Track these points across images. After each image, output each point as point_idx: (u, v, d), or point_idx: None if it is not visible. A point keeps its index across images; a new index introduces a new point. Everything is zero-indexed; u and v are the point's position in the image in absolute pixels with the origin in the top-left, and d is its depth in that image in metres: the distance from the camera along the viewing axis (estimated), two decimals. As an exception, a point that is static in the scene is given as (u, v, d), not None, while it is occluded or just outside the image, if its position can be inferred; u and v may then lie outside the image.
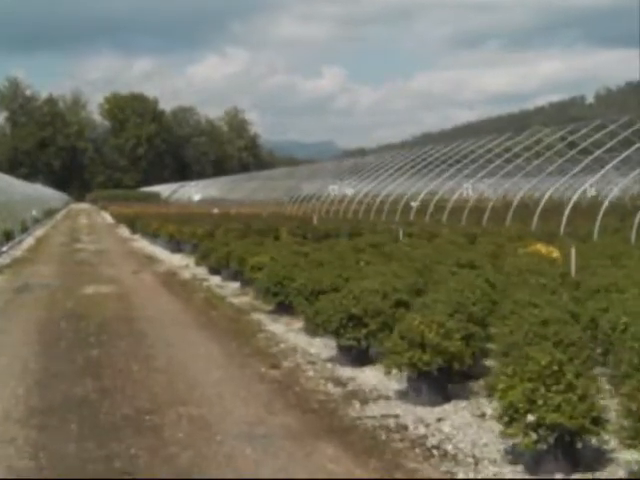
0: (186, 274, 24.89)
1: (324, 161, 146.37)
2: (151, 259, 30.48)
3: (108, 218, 73.58)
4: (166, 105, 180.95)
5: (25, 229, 46.39)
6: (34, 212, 57.81)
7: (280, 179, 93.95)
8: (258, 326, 15.32)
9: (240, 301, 18.57)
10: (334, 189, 75.18)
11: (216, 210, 65.14)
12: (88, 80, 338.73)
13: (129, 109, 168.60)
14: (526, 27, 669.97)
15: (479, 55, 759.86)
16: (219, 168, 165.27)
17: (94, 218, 76.54)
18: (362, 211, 54.19)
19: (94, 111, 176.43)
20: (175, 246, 32.53)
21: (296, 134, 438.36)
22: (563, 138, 46.28)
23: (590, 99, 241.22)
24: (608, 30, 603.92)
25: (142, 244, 38.51)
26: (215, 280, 22.91)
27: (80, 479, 7.37)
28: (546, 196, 37.18)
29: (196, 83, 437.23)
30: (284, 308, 15.89)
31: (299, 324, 14.78)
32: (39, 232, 49.32)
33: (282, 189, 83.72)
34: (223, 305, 18.16)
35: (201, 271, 25.18)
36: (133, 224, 45.95)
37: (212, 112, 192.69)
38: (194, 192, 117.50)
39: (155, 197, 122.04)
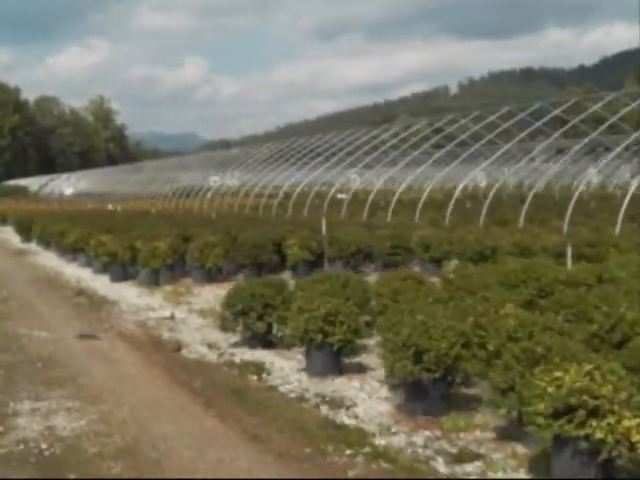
0: (211, 354, 12.18)
1: (189, 153, 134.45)
2: (92, 297, 17.40)
3: (-22, 218, 58.70)
4: (28, 96, 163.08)
5: None
6: None
7: (156, 171, 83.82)
8: None
9: None
10: (215, 180, 68.07)
11: (110, 206, 52.01)
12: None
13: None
14: (386, 19, 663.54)
15: (340, 46, 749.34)
16: (86, 160, 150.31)
17: (-39, 218, 61.31)
18: (275, 206, 43.48)
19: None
20: (120, 270, 19.44)
21: (158, 125, 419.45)
22: (437, 130, 43.47)
23: (454, 89, 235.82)
24: (467, 22, 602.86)
25: (49, 261, 25.20)
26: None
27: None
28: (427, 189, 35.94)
29: (57, 74, 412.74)
30: None
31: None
32: None
33: (158, 182, 73.83)
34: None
35: (221, 336, 12.53)
36: (25, 229, 32.04)
37: (75, 104, 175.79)
38: (65, 186, 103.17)
39: (22, 191, 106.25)
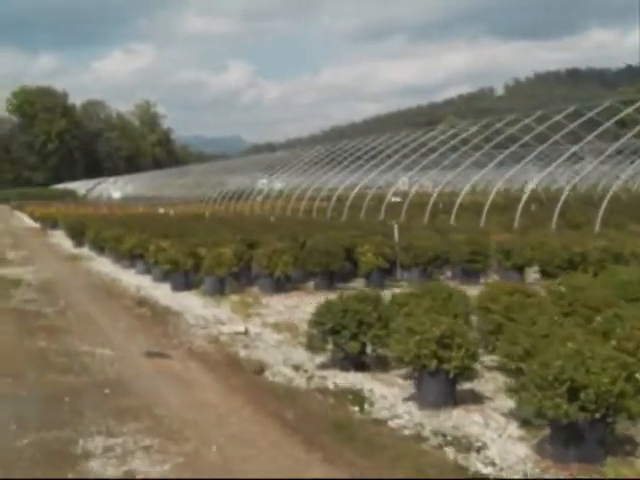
0: (298, 378, 11.23)
1: (233, 156, 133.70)
2: (154, 307, 16.13)
3: (29, 221, 57.95)
4: (75, 101, 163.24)
5: None
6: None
7: (202, 175, 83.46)
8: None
9: None
10: (263, 183, 67.88)
11: (162, 210, 50.98)
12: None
13: (38, 104, 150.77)
14: (430, 20, 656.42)
15: (384, 48, 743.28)
16: (132, 164, 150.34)
17: (11, 222, 60.67)
18: (330, 209, 42.91)
19: (2, 107, 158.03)
20: (182, 279, 18.13)
21: (202, 129, 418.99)
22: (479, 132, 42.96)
23: (500, 91, 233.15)
24: (513, 22, 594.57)
25: (104, 267, 24.04)
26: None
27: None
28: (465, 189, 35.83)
29: (103, 79, 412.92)
30: None
31: None
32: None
33: (206, 185, 74.24)
34: None
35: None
36: (77, 233, 30.93)
37: (120, 108, 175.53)
38: (113, 189, 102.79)
39: (71, 195, 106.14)
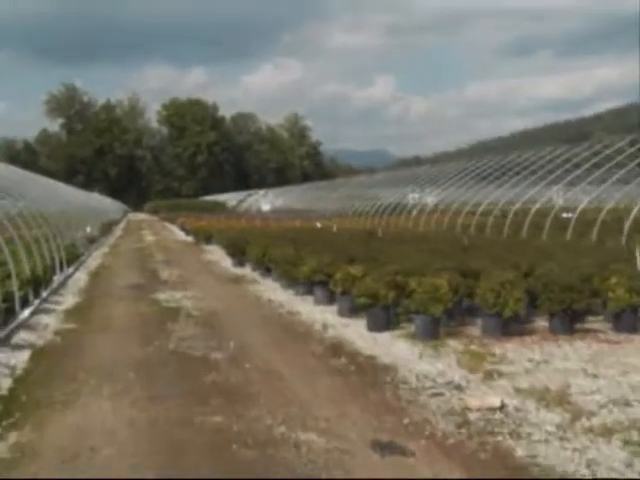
0: None
1: (380, 170, 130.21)
2: (354, 357, 12.22)
3: (180, 234, 55.46)
4: (224, 113, 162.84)
5: (75, 257, 28.19)
6: (88, 229, 39.68)
7: (352, 188, 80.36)
8: None
9: None
10: (414, 197, 64.62)
11: (319, 224, 47.55)
12: (143, 91, 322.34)
13: (188, 116, 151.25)
14: (578, 34, 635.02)
15: (531, 63, 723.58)
16: (281, 177, 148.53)
17: (162, 234, 58.21)
18: (489, 225, 38.79)
19: (152, 119, 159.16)
20: (382, 316, 14.15)
21: (348, 142, 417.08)
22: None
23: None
24: None
25: (274, 293, 20.23)
26: None
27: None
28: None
29: (251, 93, 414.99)
30: None
31: None
32: (94, 262, 31.07)
33: (359, 199, 71.55)
34: None
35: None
36: (238, 250, 27.44)
37: (268, 121, 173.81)
38: (263, 202, 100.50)
39: (221, 207, 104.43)
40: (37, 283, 18.62)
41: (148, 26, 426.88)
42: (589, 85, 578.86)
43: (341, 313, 15.88)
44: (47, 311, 17.09)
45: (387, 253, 19.71)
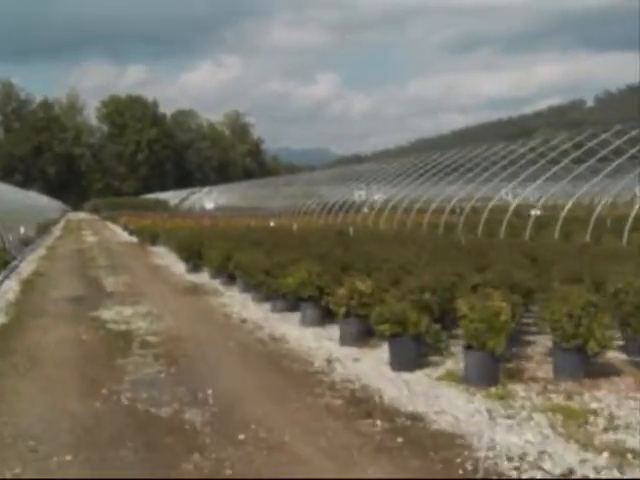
0: None
1: (321, 168, 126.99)
2: (387, 412, 8.22)
3: (122, 234, 50.97)
4: (164, 110, 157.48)
5: (4, 263, 23.91)
6: (22, 229, 35.14)
7: (296, 186, 77.33)
8: None
9: None
10: (361, 195, 61.77)
11: (272, 223, 43.82)
12: (82, 88, 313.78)
13: (128, 113, 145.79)
14: (520, 32, 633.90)
15: (473, 60, 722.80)
16: (222, 174, 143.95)
17: (104, 234, 53.57)
18: (460, 225, 35.78)
19: (91, 116, 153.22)
20: (411, 348, 10.26)
21: (290, 141, 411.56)
22: (577, 146, 38.50)
23: (590, 102, 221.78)
24: (605, 33, 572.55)
25: (246, 310, 16.18)
26: None
27: None
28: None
29: (190, 90, 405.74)
30: None
31: None
32: (27, 267, 26.73)
33: (298, 196, 69.56)
34: None
35: None
36: (192, 254, 23.39)
37: (209, 119, 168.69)
38: (207, 200, 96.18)
39: (163, 205, 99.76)
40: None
41: (85, 23, 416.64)
42: (530, 83, 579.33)
43: (344, 341, 11.98)
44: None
45: (379, 258, 15.85)
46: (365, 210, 55.58)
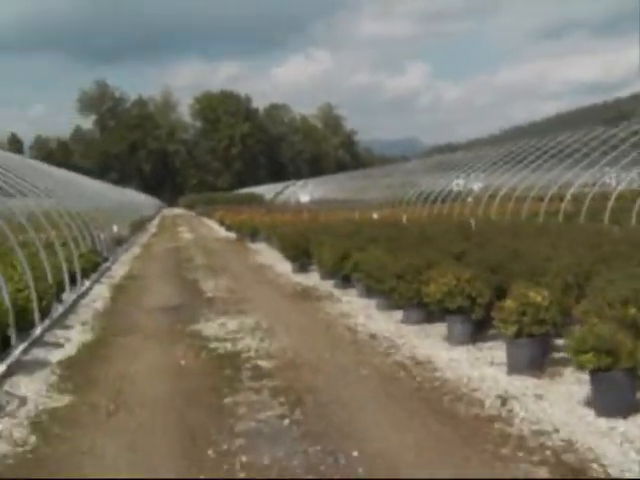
0: None
1: (413, 158, 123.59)
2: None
3: (220, 230, 48.82)
4: (257, 105, 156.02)
5: (94, 266, 21.71)
6: (115, 228, 33.06)
7: (392, 177, 74.19)
8: None
9: None
10: (459, 184, 58.55)
11: (375, 215, 41.02)
12: (176, 86, 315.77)
13: (221, 108, 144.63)
14: (611, 15, 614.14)
15: (564, 45, 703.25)
16: (315, 167, 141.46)
17: (200, 230, 51.56)
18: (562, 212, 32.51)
19: (185, 113, 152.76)
20: (622, 388, 7.28)
21: (380, 132, 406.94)
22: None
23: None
24: None
25: (373, 322, 13.40)
26: None
27: None
28: None
29: (282, 85, 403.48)
30: None
31: None
32: (120, 269, 24.54)
33: (396, 187, 64.90)
34: None
35: None
36: (300, 252, 20.74)
37: (301, 112, 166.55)
38: (302, 193, 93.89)
39: (257, 199, 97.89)
40: (25, 314, 12.08)
41: (178, 22, 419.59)
42: (626, 66, 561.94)
43: (512, 368, 9.13)
44: (30, 368, 10.47)
45: (530, 256, 12.86)
46: (469, 200, 52.54)
